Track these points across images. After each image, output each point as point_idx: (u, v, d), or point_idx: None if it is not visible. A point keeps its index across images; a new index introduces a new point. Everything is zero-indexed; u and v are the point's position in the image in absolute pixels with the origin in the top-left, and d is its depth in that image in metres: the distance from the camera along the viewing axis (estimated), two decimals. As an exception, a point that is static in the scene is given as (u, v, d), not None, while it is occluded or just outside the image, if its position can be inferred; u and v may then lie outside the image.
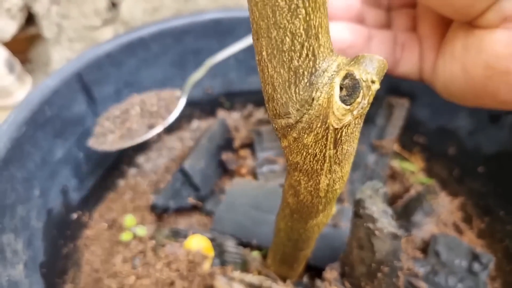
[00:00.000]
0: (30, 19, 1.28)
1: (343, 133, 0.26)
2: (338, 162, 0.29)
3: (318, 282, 0.52)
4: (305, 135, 0.27)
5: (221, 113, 0.84)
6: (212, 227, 0.64)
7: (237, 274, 0.51)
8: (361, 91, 0.24)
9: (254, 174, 0.72)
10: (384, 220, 0.43)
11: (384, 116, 0.67)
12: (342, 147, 0.27)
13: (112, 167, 0.72)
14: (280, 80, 0.25)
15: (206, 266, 0.57)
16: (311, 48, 0.24)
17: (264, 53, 0.25)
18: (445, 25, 0.41)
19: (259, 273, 0.56)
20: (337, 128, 0.26)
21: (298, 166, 0.30)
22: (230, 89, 0.84)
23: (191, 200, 0.67)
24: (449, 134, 0.73)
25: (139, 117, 0.61)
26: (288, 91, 0.26)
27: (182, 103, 0.64)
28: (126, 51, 0.66)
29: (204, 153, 0.69)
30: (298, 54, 0.24)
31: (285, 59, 0.24)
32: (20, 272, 0.48)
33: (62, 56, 1.28)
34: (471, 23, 0.35)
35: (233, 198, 0.64)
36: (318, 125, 0.26)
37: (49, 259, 0.55)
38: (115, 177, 0.73)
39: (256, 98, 0.86)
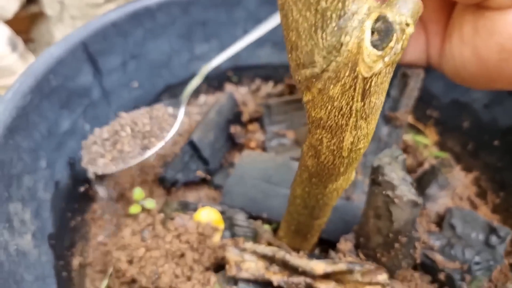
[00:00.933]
0: (31, -3, 1.26)
1: (373, 83, 0.25)
2: (364, 116, 0.27)
3: (332, 253, 0.51)
4: (331, 86, 0.25)
5: (229, 88, 0.82)
6: (221, 201, 0.62)
7: (249, 245, 0.50)
8: (395, 34, 0.23)
9: (263, 148, 0.70)
10: (404, 188, 0.41)
11: (399, 87, 0.65)
12: (370, 100, 0.26)
13: (118, 141, 0.70)
14: (306, 25, 0.24)
15: (216, 238, 0.56)
16: (340, -12, 0.22)
17: (290, -6, 0.23)
18: (448, 9, 0.39)
19: (271, 245, 0.54)
20: (366, 77, 0.24)
21: (322, 122, 0.28)
22: (238, 63, 0.82)
23: (199, 174, 0.65)
24: (463, 107, 0.71)
25: (131, 138, 0.57)
26: (314, 37, 0.24)
27: (180, 114, 0.60)
28: (132, 21, 0.64)
29: (213, 126, 0.68)
30: (326, -6, 0.22)
31: (312, 1, 0.23)
32: (28, 242, 0.47)
33: (65, 35, 1.26)
34: (480, 5, 0.33)
35: (242, 171, 0.62)
36: (346, 74, 0.24)
37: (57, 231, 0.54)
38: (122, 151, 0.71)
39: (265, 73, 0.84)
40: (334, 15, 0.23)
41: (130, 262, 0.54)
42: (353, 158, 0.31)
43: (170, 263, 0.53)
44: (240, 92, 0.83)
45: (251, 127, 0.73)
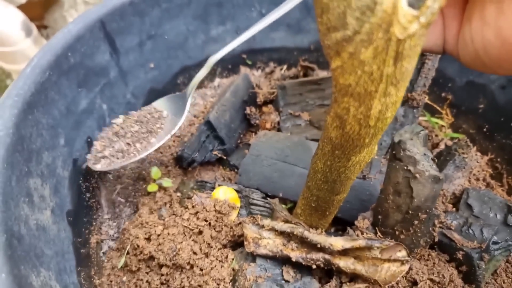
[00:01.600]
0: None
1: (406, 46, 0.24)
2: (395, 82, 0.27)
3: (350, 231, 0.51)
4: (363, 49, 0.25)
5: (244, 70, 0.82)
6: (237, 180, 0.63)
7: (267, 222, 0.50)
8: (431, -6, 0.22)
9: (278, 129, 0.70)
10: (426, 163, 0.41)
11: (415, 67, 0.64)
12: (402, 64, 0.26)
13: (134, 122, 0.70)
14: (339, -15, 0.23)
15: (233, 216, 0.56)
16: None
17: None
18: None
19: (288, 223, 0.55)
20: (400, 40, 0.24)
21: (350, 89, 0.28)
22: (252, 46, 0.82)
23: (216, 153, 0.65)
24: (479, 89, 0.71)
25: (133, 135, 0.57)
26: (347, -2, 0.24)
27: (187, 106, 0.59)
28: (149, 0, 0.64)
29: (229, 106, 0.68)
30: (361, -47, 0.22)
31: (346, -40, 0.22)
32: (47, 217, 0.47)
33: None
34: None
35: (258, 150, 0.62)
36: (380, 36, 0.24)
37: (75, 209, 0.54)
38: (137, 132, 0.71)
39: (279, 56, 0.84)
40: (368, -25, 0.23)
41: (148, 239, 0.54)
42: (379, 128, 0.31)
43: (188, 240, 0.53)
44: (255, 75, 0.83)
45: (266, 108, 0.73)
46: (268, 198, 0.60)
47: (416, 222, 0.46)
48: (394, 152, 0.43)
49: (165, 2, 0.66)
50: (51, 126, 0.51)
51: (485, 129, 0.71)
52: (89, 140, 0.60)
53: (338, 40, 0.25)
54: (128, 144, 0.56)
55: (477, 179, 0.64)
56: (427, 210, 0.44)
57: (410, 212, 0.45)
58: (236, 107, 0.69)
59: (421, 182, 0.41)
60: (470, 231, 0.54)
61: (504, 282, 0.55)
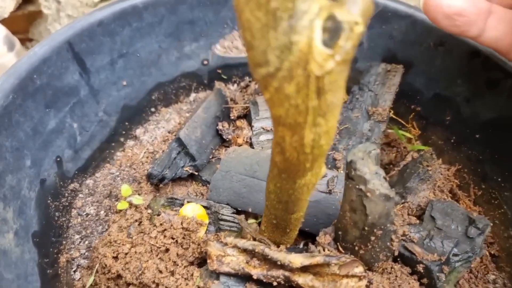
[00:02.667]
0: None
1: (326, 81, 0.25)
2: (322, 114, 0.28)
3: (311, 247, 0.52)
4: (286, 84, 0.26)
5: (218, 85, 0.83)
6: (208, 196, 0.64)
7: (230, 239, 0.51)
8: (344, 33, 0.24)
9: (250, 144, 0.71)
10: (376, 182, 0.42)
11: (380, 82, 0.66)
12: (326, 98, 0.27)
13: (109, 139, 0.71)
14: (258, 25, 0.25)
15: (201, 233, 0.57)
16: (289, -12, 0.23)
17: (241, -4, 0.24)
18: None
19: (254, 239, 0.55)
20: (319, 76, 0.25)
21: (281, 119, 0.29)
22: (227, 61, 0.83)
23: (187, 169, 0.66)
24: (445, 102, 0.72)
25: None
26: (266, 37, 0.25)
27: None
28: (119, 20, 0.65)
29: (200, 123, 0.69)
30: (276, -5, 0.23)
31: (262, 1, 0.24)
32: (9, 240, 0.48)
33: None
34: None
35: (228, 166, 0.63)
36: (299, 72, 0.25)
37: (43, 229, 0.55)
38: (113, 148, 0.72)
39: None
40: (285, 15, 0.24)
41: (116, 258, 0.55)
42: (316, 154, 0.32)
43: (154, 258, 0.54)
44: (230, 89, 0.84)
45: (239, 123, 0.74)
46: (238, 214, 0.61)
47: (373, 238, 0.47)
48: (347, 171, 0.44)
49: (136, 21, 0.67)
50: (15, 149, 0.52)
51: (452, 141, 0.72)
52: (58, 159, 0.60)
53: (263, 76, 0.27)
54: None
55: (442, 191, 0.65)
56: (382, 227, 0.46)
57: (366, 228, 0.46)
58: (208, 123, 0.70)
59: (373, 200, 0.42)
60: (432, 244, 0.55)
61: (466, 293, 0.56)
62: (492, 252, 0.63)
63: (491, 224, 0.63)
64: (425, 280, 0.53)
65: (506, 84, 0.63)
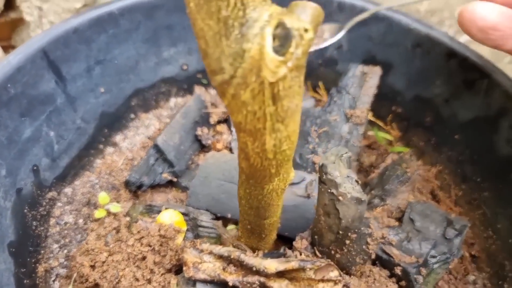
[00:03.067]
0: (10, 3, 1.26)
1: (280, 87, 0.25)
2: (280, 120, 0.28)
3: (288, 251, 0.51)
4: (242, 91, 0.26)
5: (198, 90, 0.83)
6: (187, 203, 0.63)
7: (206, 246, 0.50)
8: (294, 40, 0.24)
9: (230, 149, 0.71)
10: (348, 185, 0.42)
11: (357, 84, 0.66)
12: (282, 103, 0.27)
13: (88, 147, 0.71)
14: (211, 33, 0.24)
15: (179, 240, 0.57)
16: (239, -4, 0.23)
17: (192, 3, 0.24)
18: None
19: (233, 246, 0.55)
20: (272, 82, 0.25)
21: (241, 126, 0.29)
22: (207, 65, 0.82)
23: (165, 176, 0.66)
24: (425, 103, 0.72)
25: None
26: (219, 45, 0.25)
27: (339, 35, 0.65)
28: (95, 27, 0.65)
29: (179, 128, 0.68)
30: (225, 3, 0.23)
31: (213, 10, 0.24)
32: (-16, 251, 0.48)
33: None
34: None
35: (206, 172, 0.63)
36: (253, 79, 0.25)
37: (19, 239, 0.55)
38: (92, 156, 0.72)
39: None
40: (236, 23, 0.24)
41: (93, 267, 0.55)
42: (280, 160, 0.32)
43: (131, 266, 0.53)
44: (211, 94, 0.84)
45: (219, 128, 0.74)
46: (217, 220, 0.61)
47: (348, 241, 0.47)
48: (319, 175, 0.44)
49: (112, 28, 0.67)
50: (-11, 159, 0.51)
51: (433, 142, 0.73)
52: (35, 168, 0.60)
53: (219, 83, 0.26)
54: None
55: (421, 192, 0.65)
56: (356, 230, 0.46)
57: (341, 232, 0.46)
58: (186, 128, 0.69)
59: (345, 204, 0.42)
60: (410, 246, 0.55)
61: (445, 294, 0.56)
62: (473, 253, 0.63)
63: (469, 225, 0.63)
64: (403, 283, 0.53)
65: (482, 85, 0.64)
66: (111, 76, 0.70)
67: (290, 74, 0.25)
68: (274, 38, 0.24)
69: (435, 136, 0.72)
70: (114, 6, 0.66)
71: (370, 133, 0.73)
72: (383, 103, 0.78)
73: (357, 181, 0.43)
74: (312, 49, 0.64)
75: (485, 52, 1.18)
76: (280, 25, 0.23)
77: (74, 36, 0.63)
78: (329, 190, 0.43)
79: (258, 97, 0.26)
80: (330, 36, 0.67)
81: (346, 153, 0.44)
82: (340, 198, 0.42)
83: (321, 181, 0.43)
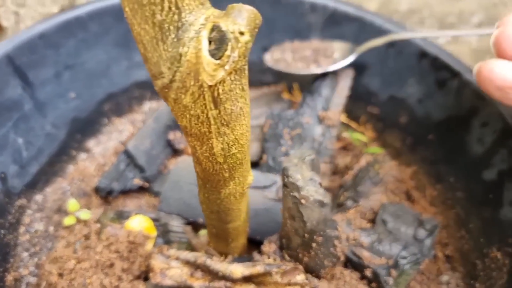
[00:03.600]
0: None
1: (220, 91, 0.25)
2: (225, 123, 0.27)
3: (256, 256, 0.51)
4: (182, 95, 0.25)
5: (173, 93, 0.82)
6: (158, 208, 0.63)
7: (172, 252, 0.50)
8: (230, 43, 0.23)
9: (204, 153, 0.70)
10: (310, 188, 0.42)
11: (330, 86, 0.66)
12: (225, 107, 0.26)
13: (59, 153, 0.70)
14: (148, 37, 0.24)
15: (148, 246, 0.56)
16: (173, 0, 0.23)
17: (127, 8, 0.23)
18: None
19: (202, 251, 0.55)
20: (211, 86, 0.24)
21: (187, 130, 0.28)
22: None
23: (137, 181, 0.65)
24: (400, 103, 0.72)
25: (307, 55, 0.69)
26: (157, 49, 0.24)
27: (350, 58, 0.67)
28: (63, 32, 0.64)
29: (150, 133, 0.68)
30: (159, 7, 0.23)
31: (147, 14, 0.23)
32: None
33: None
34: None
35: (177, 177, 0.63)
36: (192, 83, 0.24)
37: (-15, 247, 0.54)
38: (64, 162, 0.71)
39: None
40: (171, 27, 0.23)
41: (61, 275, 0.54)
42: (232, 164, 0.32)
43: (99, 273, 0.53)
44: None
45: (194, 132, 0.74)
46: (189, 225, 0.61)
47: (314, 244, 0.46)
48: (282, 178, 0.44)
49: (81, 32, 0.66)
50: (-49, 167, 0.50)
51: (408, 142, 0.73)
52: (2, 176, 0.59)
53: (160, 87, 0.26)
54: (304, 59, 0.68)
55: (395, 193, 0.65)
56: (321, 233, 0.45)
57: (306, 235, 0.45)
58: (158, 133, 0.69)
59: (308, 207, 0.42)
60: (380, 247, 0.55)
61: (417, 295, 0.56)
62: (447, 253, 0.63)
63: (441, 225, 0.63)
64: (374, 285, 0.53)
65: (453, 84, 0.64)
66: (81, 81, 0.69)
67: (229, 77, 0.24)
68: (210, 42, 0.23)
69: (410, 136, 0.72)
70: (83, 10, 0.65)
71: (345, 134, 0.73)
72: (359, 104, 0.78)
73: (320, 184, 0.43)
74: (320, 71, 0.66)
75: (465, 50, 1.19)
76: (216, 28, 0.23)
77: (40, 42, 0.62)
78: (291, 193, 0.42)
79: (199, 101, 0.25)
80: (341, 57, 0.68)
81: (310, 155, 0.44)
82: (303, 201, 0.42)
83: (284, 184, 0.43)
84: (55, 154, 0.69)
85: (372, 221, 0.61)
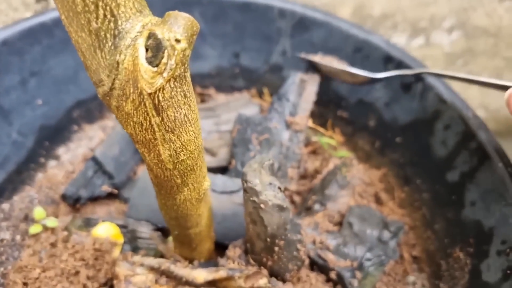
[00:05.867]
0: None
1: (161, 98, 0.25)
2: (170, 130, 0.28)
3: (221, 260, 0.51)
4: (124, 103, 0.26)
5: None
6: (127, 214, 0.62)
7: (137, 258, 0.50)
8: (166, 51, 0.23)
9: (174, 158, 0.70)
10: (269, 193, 0.42)
11: (297, 92, 0.66)
12: (167, 114, 0.26)
13: (27, 160, 0.69)
14: (85, 45, 0.24)
15: (116, 253, 0.56)
16: (108, 8, 0.23)
17: (63, 16, 0.24)
18: None
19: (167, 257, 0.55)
20: (151, 93, 0.25)
21: (134, 137, 0.28)
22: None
23: (105, 188, 0.65)
24: (368, 107, 0.73)
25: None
26: (95, 56, 0.24)
27: (392, 73, 0.65)
28: (27, 38, 0.64)
29: (119, 140, 0.67)
30: (94, 15, 0.23)
31: (83, 22, 0.23)
32: None
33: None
34: None
35: (146, 183, 0.62)
36: (132, 91, 0.25)
37: None
38: (32, 170, 0.70)
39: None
40: (108, 35, 0.24)
41: (26, 284, 0.53)
42: (183, 170, 0.32)
43: (63, 282, 0.52)
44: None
45: (165, 137, 0.73)
46: (158, 231, 0.60)
47: (276, 248, 0.47)
48: (242, 183, 0.44)
49: (46, 38, 0.66)
50: None
51: (377, 145, 0.73)
52: (-33, 184, 0.58)
53: (102, 95, 0.26)
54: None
55: (362, 196, 0.65)
56: (283, 237, 0.45)
57: (268, 239, 0.46)
58: (127, 139, 0.68)
59: (268, 212, 0.42)
60: (345, 250, 0.55)
61: (384, 296, 0.56)
62: (414, 254, 0.64)
63: (408, 227, 0.64)
64: (339, 287, 0.54)
65: (417, 88, 0.65)
66: (48, 87, 0.69)
67: (168, 84, 0.25)
68: (147, 49, 0.24)
69: (379, 139, 0.73)
70: (48, 16, 0.65)
71: (315, 139, 0.74)
72: (329, 108, 0.78)
73: (280, 189, 0.43)
74: (371, 75, 0.65)
75: (438, 54, 1.21)
76: (152, 36, 0.23)
77: (3, 49, 0.61)
78: (251, 198, 0.42)
79: (140, 108, 0.26)
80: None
81: (269, 160, 0.44)
82: (262, 205, 0.42)
83: (244, 190, 0.43)
84: (23, 162, 0.68)
85: (340, 224, 0.61)
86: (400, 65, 0.66)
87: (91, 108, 0.77)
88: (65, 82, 0.71)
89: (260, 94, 0.82)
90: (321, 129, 0.75)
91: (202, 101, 0.79)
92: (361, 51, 0.71)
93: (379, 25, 1.12)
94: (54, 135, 0.72)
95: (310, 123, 0.72)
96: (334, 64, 0.70)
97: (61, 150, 0.74)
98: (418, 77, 0.64)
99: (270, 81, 0.82)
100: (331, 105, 0.78)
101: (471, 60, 1.18)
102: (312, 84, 0.66)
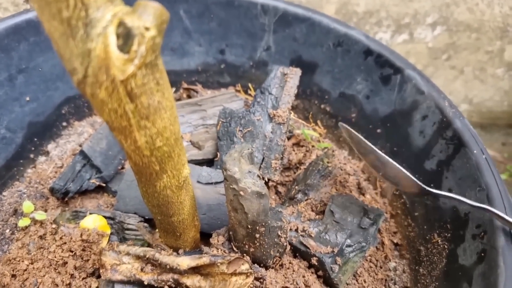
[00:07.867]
0: None
1: (133, 85, 0.26)
2: (144, 117, 0.29)
3: (205, 248, 0.52)
4: (98, 90, 0.27)
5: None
6: (115, 207, 0.64)
7: (123, 247, 0.51)
8: (136, 38, 0.25)
9: (160, 152, 0.72)
10: (248, 180, 0.43)
11: (279, 85, 0.68)
12: (141, 101, 0.28)
13: (16, 156, 0.70)
14: (58, 34, 0.25)
15: (103, 244, 0.57)
16: (78, -3, 0.24)
17: (35, 5, 0.25)
18: None
19: (153, 246, 0.56)
20: (123, 80, 0.26)
21: (110, 124, 0.30)
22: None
23: (94, 182, 0.66)
24: (350, 100, 0.75)
25: None
26: (68, 45, 0.26)
27: None
28: (13, 35, 0.65)
29: (107, 134, 0.69)
30: (65, 4, 0.24)
31: (54, 11, 0.24)
32: None
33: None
34: None
35: (133, 176, 0.64)
36: (104, 78, 0.26)
37: None
38: (22, 165, 0.71)
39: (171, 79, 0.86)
40: (79, 23, 0.25)
41: (14, 276, 0.54)
42: (161, 157, 0.33)
43: (51, 272, 0.54)
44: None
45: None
46: (146, 222, 0.62)
47: (257, 235, 0.48)
48: (222, 172, 0.45)
49: (33, 35, 0.67)
50: None
51: (359, 137, 0.75)
52: (-45, 180, 0.59)
53: (77, 83, 0.27)
54: None
55: (344, 186, 0.67)
56: (263, 224, 0.47)
57: (249, 226, 0.47)
58: (114, 134, 0.70)
59: (248, 199, 0.44)
60: (327, 237, 0.57)
61: (365, 282, 0.58)
62: (395, 241, 0.65)
63: (389, 215, 0.65)
64: (321, 273, 0.55)
65: (396, 80, 0.66)
66: (36, 84, 0.70)
67: (140, 71, 0.26)
68: (118, 37, 0.25)
69: (361, 131, 0.74)
70: (33, 14, 0.66)
71: (298, 131, 0.75)
72: (313, 102, 0.80)
73: (259, 176, 0.44)
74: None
75: (422, 49, 1.22)
76: (121, 24, 0.24)
77: (-10, 46, 0.62)
78: (231, 186, 0.44)
79: (114, 95, 0.27)
80: None
81: (248, 149, 0.46)
82: (241, 193, 0.43)
83: (224, 178, 0.45)
84: (12, 157, 0.69)
85: (322, 212, 0.63)
86: (379, 57, 0.68)
87: (80, 105, 0.78)
88: (53, 79, 0.72)
89: (246, 90, 0.84)
90: (307, 122, 0.77)
91: (188, 96, 0.80)
92: (341, 45, 0.73)
93: (364, 21, 1.14)
94: (43, 131, 0.73)
95: (293, 116, 0.73)
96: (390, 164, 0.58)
97: (50, 146, 0.75)
98: (396, 69, 0.66)
99: (255, 76, 0.83)
100: (313, 98, 0.79)
101: (454, 54, 1.20)
102: (294, 78, 0.68)
